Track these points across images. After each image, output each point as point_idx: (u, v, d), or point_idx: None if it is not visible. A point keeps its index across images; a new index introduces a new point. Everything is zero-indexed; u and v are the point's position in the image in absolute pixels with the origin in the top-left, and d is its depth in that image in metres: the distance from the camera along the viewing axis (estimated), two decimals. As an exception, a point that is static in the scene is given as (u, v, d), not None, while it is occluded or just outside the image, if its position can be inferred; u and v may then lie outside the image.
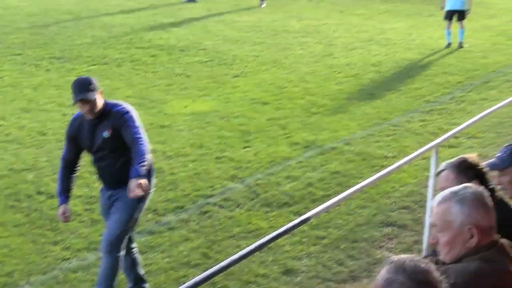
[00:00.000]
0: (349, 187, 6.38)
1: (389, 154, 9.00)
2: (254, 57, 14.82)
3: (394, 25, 19.02)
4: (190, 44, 16.03)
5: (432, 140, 6.91)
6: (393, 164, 6.18)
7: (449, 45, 15.95)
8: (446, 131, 8.58)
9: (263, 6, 22.15)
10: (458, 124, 8.37)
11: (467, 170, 3.76)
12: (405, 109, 11.17)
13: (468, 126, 7.32)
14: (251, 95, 11.87)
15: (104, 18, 19.47)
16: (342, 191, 5.80)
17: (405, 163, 6.01)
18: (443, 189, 3.78)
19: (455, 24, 15.88)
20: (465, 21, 16.00)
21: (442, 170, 3.85)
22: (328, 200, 5.33)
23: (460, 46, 15.94)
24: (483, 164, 4.26)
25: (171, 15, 20.29)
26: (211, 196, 7.65)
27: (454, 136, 7.85)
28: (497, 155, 4.29)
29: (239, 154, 9.00)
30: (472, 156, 3.88)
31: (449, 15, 15.97)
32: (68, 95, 7.03)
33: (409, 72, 13.71)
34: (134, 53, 15.12)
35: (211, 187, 7.88)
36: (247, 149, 9.23)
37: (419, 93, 12.10)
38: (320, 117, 10.69)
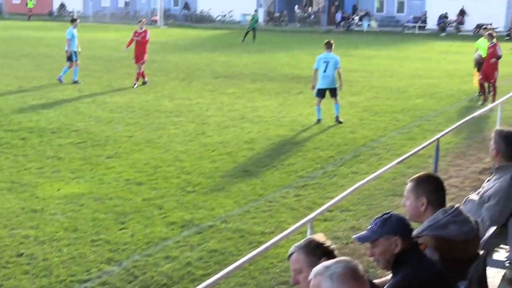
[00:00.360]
0: (228, 264, 6.36)
1: (266, 230, 9.09)
2: (127, 138, 14.72)
3: (265, 103, 19.50)
4: (62, 126, 15.75)
5: (307, 215, 7.05)
6: (270, 240, 6.23)
7: (319, 121, 16.48)
8: (320, 205, 8.76)
9: (135, 87, 22.10)
10: (331, 198, 8.57)
11: (315, 250, 3.89)
12: (280, 184, 11.37)
13: (340, 199, 7.53)
14: (126, 176, 11.74)
15: (-30, 101, 18.85)
16: (221, 269, 5.78)
17: (281, 238, 6.08)
18: (296, 271, 3.89)
19: (328, 100, 16.46)
20: (338, 97, 16.63)
21: (292, 253, 3.95)
22: (208, 279, 5.29)
23: (338, 120, 16.48)
24: (353, 237, 4.41)
25: (41, 97, 19.92)
26: (87, 280, 7.42)
27: (328, 209, 8.04)
28: (368, 227, 4.44)
29: (115, 236, 8.82)
30: (319, 235, 4.01)
31: (321, 93, 16.54)
32: None
33: (282, 148, 14.02)
34: (2, 136, 14.67)
35: (87, 271, 7.65)
36: (123, 230, 9.06)
37: (292, 169, 12.38)
38: (196, 196, 10.69)
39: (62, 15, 68.94)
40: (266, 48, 38.18)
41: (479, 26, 44.29)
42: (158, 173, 11.99)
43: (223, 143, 14.38)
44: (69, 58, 23.44)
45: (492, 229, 5.71)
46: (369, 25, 58.19)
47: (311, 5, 65.77)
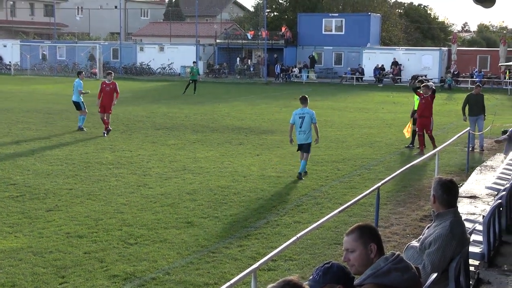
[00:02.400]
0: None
1: (210, 281, 9.02)
2: (67, 190, 14.51)
3: (206, 154, 19.51)
4: (-1, 179, 15.45)
5: (251, 265, 7.04)
6: (215, 290, 6.19)
7: (305, 173, 16.49)
8: (264, 255, 8.77)
9: (105, 136, 22.54)
10: (275, 248, 8.59)
11: None
12: (223, 235, 11.34)
13: (284, 249, 7.55)
14: (66, 229, 11.53)
15: None
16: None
17: (226, 289, 6.05)
18: None
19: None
20: (310, 154, 16.70)
21: None
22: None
23: (300, 177, 16.35)
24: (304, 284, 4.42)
25: (-23, 150, 19.53)
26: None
27: (272, 259, 8.04)
28: (310, 277, 4.48)
29: (55, 291, 8.62)
30: (293, 277, 4.01)
31: (300, 148, 16.56)
32: None
33: (224, 199, 14.00)
34: None
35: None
36: (64, 284, 8.89)
37: (235, 219, 12.36)
38: (138, 248, 10.56)
39: (-2, 67, 68.17)
40: (207, 100, 38.37)
41: (414, 77, 45.44)
42: (99, 225, 11.82)
43: (165, 194, 14.29)
44: (79, 107, 24.66)
45: (434, 275, 5.80)
46: (308, 76, 59.09)
47: (250, 57, 66.55)
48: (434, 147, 19.20)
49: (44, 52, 70.03)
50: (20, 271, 9.38)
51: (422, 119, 19.91)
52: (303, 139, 16.42)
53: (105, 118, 23.65)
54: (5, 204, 13.23)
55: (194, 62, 48.60)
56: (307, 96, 16.98)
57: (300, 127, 16.37)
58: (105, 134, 23.19)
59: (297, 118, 16.45)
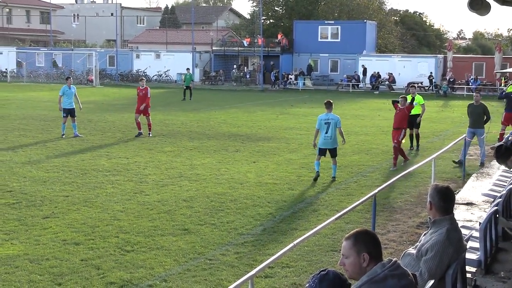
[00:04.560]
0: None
1: (207, 288, 9.01)
2: (64, 197, 14.50)
3: (203, 161, 19.51)
4: (-5, 186, 15.43)
5: (248, 272, 7.05)
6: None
7: (317, 173, 16.61)
8: (261, 262, 8.77)
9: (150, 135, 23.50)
10: (272, 255, 8.59)
11: None
12: (220, 242, 11.33)
13: (281, 256, 7.56)
14: (63, 236, 11.52)
15: None
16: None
17: (224, 296, 6.06)
18: None
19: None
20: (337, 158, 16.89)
21: None
22: None
23: (334, 180, 16.67)
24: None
25: (-26, 157, 19.50)
26: None
27: (269, 266, 8.04)
28: (306, 285, 4.49)
29: (52, 298, 8.61)
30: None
31: (323, 152, 16.69)
32: None
33: (221, 206, 14.00)
34: None
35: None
36: (61, 292, 8.86)
37: (232, 226, 12.36)
38: (135, 255, 10.55)
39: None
40: (203, 107, 38.39)
41: (410, 84, 45.54)
42: (95, 232, 11.81)
43: (162, 201, 14.29)
44: (72, 114, 24.97)
45: (430, 282, 5.81)
46: (304, 83, 59.18)
47: (246, 65, 66.64)
48: (406, 159, 19.25)
49: (54, 59, 70.06)
50: (16, 279, 9.36)
51: (399, 131, 19.06)
52: (329, 145, 16.66)
53: (139, 120, 25.32)
54: (1, 211, 13.21)
55: (187, 69, 48.79)
56: (331, 101, 17.18)
57: (326, 133, 16.55)
58: (150, 134, 25.16)
59: (323, 124, 16.59)
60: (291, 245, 7.78)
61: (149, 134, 25.19)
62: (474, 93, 21.95)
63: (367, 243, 4.75)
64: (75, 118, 24.87)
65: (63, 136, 24.16)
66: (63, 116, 24.77)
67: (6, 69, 66.55)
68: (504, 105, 24.76)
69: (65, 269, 9.77)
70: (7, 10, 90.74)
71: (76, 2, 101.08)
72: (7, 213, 13.08)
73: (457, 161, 19.31)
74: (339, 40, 63.15)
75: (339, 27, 64.20)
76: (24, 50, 72.02)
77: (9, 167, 17.95)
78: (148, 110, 25.54)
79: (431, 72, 56.42)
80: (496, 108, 40.35)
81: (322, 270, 4.47)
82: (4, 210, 13.35)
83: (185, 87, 44.56)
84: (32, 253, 10.56)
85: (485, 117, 19.51)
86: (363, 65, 59.22)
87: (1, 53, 70.60)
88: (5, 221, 12.52)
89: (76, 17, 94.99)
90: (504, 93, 24.57)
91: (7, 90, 50.80)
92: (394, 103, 20.15)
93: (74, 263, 10.10)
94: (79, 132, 24.79)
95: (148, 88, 25.91)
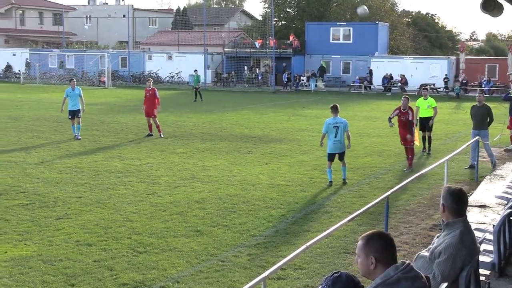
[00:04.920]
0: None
1: (219, 290, 9.02)
2: (77, 198, 14.56)
3: (215, 162, 19.53)
4: (9, 188, 15.51)
5: (260, 274, 7.04)
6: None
7: (330, 183, 16.48)
8: (273, 263, 8.77)
9: (162, 136, 23.04)
10: (284, 256, 8.59)
11: None
12: (232, 244, 11.34)
13: (293, 258, 7.54)
14: (76, 237, 11.57)
15: None
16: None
17: (237, 297, 6.06)
18: None
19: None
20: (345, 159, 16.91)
21: None
22: None
23: (345, 182, 16.64)
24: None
25: (-13, 158, 19.61)
26: None
27: (281, 268, 8.04)
28: (319, 287, 4.50)
29: (65, 299, 8.64)
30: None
31: (332, 157, 16.62)
32: None
33: (233, 207, 14.01)
34: None
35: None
36: (74, 293, 8.89)
37: (244, 228, 12.37)
38: (148, 256, 10.58)
39: (8, 76, 68.35)
40: (215, 108, 38.43)
41: (423, 86, 45.42)
42: (108, 233, 11.85)
43: (174, 203, 14.32)
44: (76, 115, 24.98)
45: (444, 285, 5.79)
46: (316, 85, 59.11)
47: (258, 66, 66.63)
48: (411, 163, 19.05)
49: (61, 60, 70.39)
50: (30, 279, 9.41)
51: (406, 133, 18.98)
52: (338, 149, 16.63)
53: (151, 122, 25.61)
54: (15, 212, 13.28)
55: (195, 70, 48.96)
56: (338, 105, 17.11)
57: (335, 137, 16.51)
58: (161, 135, 25.19)
59: (331, 128, 16.55)
60: (304, 247, 7.77)
61: (160, 135, 25.26)
62: (477, 94, 21.37)
63: (376, 247, 4.74)
64: (80, 119, 24.86)
65: (77, 137, 24.23)
66: (69, 118, 24.85)
67: (19, 70, 66.87)
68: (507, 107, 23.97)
69: (78, 270, 9.82)
70: (20, 11, 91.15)
71: (89, 4, 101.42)
72: (20, 214, 13.15)
73: (467, 167, 19.14)
74: (351, 41, 63.02)
75: (351, 28, 64.09)
76: (37, 52, 72.30)
77: (22, 168, 18.04)
78: (154, 112, 25.58)
79: (446, 74, 56.14)
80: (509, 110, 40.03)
81: (335, 272, 4.47)
82: (17, 211, 13.42)
83: (194, 88, 44.98)
84: (46, 254, 10.61)
85: (488, 119, 19.19)
86: (369, 67, 59.15)
87: (14, 55, 70.94)
88: (18, 222, 12.58)
89: (88, 18, 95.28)
90: (508, 95, 23.32)
91: (20, 91, 51.04)
92: (390, 120, 19.93)
93: (87, 264, 10.14)
94: (83, 134, 24.76)
95: (156, 89, 26.04)
